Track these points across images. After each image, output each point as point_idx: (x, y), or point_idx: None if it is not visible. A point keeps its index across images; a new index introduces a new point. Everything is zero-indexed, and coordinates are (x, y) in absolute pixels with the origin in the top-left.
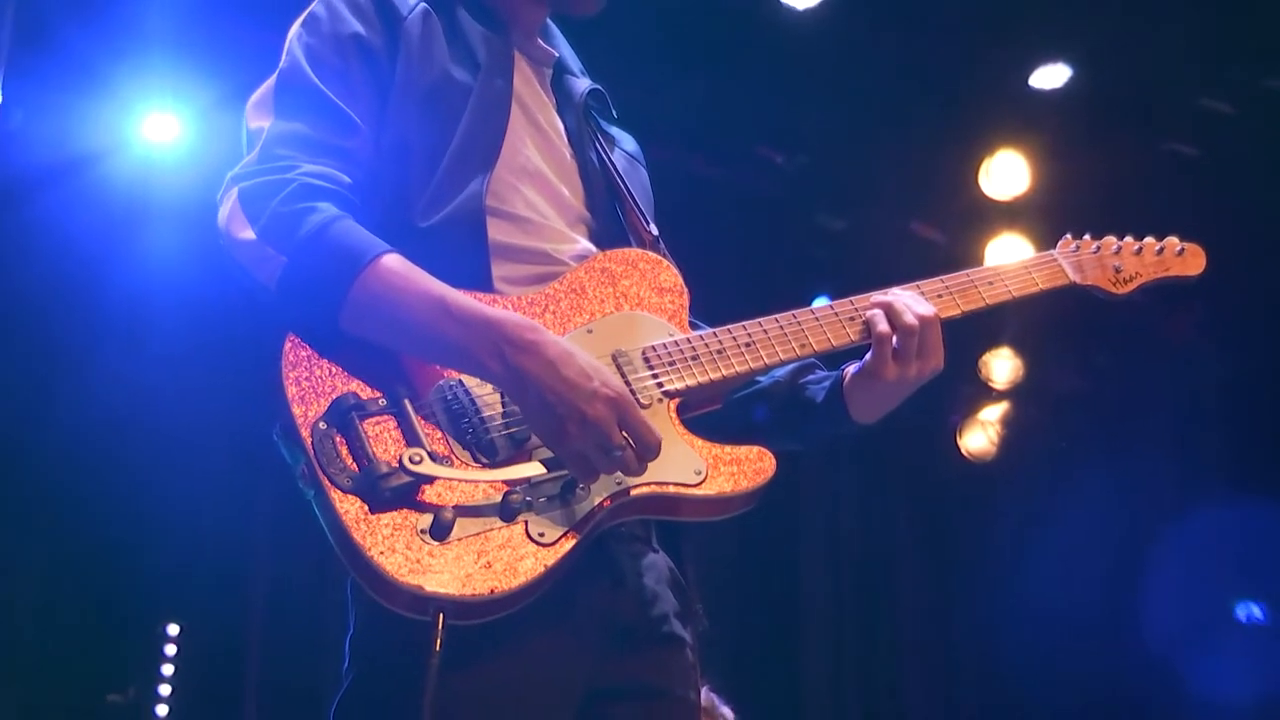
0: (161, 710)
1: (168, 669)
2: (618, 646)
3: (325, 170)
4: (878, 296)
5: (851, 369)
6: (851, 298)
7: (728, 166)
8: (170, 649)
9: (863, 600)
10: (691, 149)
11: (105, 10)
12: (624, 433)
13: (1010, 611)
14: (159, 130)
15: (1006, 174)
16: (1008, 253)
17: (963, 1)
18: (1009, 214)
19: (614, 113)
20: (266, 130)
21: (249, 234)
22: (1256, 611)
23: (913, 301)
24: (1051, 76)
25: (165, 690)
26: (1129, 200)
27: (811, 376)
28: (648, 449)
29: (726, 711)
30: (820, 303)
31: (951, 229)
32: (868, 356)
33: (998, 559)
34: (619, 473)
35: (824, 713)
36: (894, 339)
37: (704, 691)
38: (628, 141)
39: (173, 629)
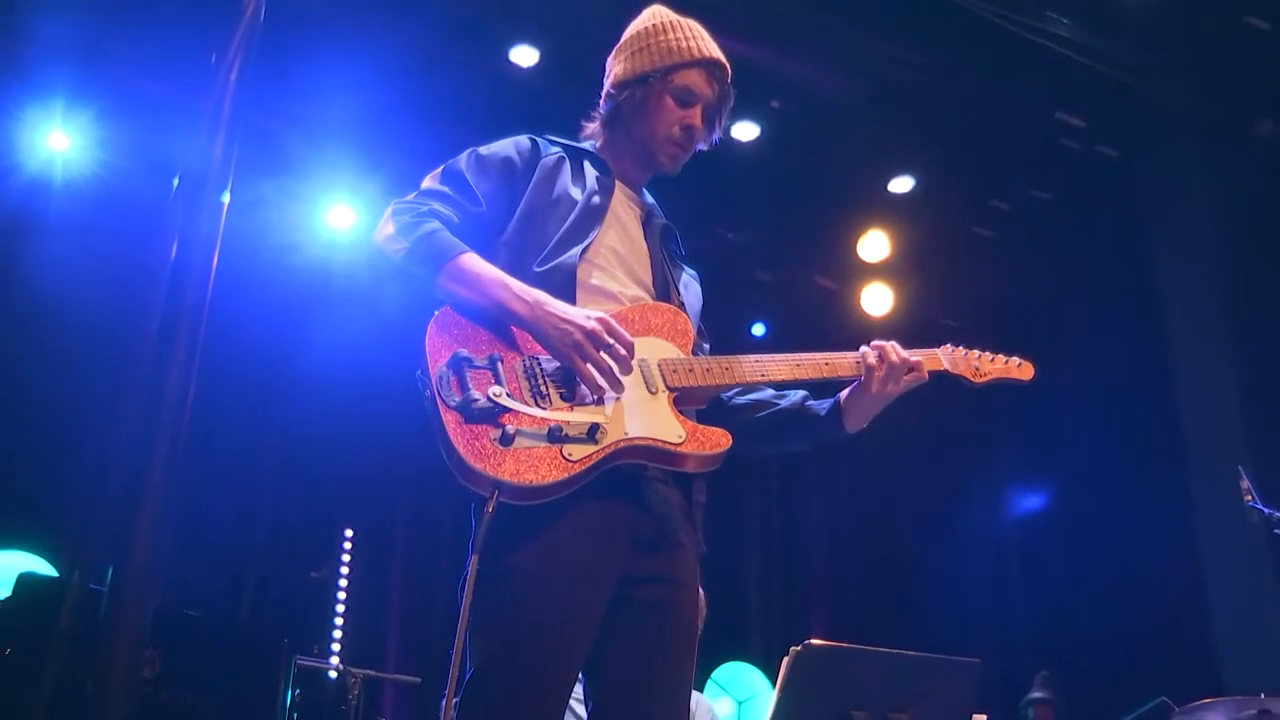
0: (343, 583)
1: (346, 558)
2: (642, 550)
3: (446, 211)
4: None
5: (844, 393)
6: (813, 353)
7: (697, 239)
8: (347, 545)
9: (784, 521)
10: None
11: (295, 117)
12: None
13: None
14: (340, 219)
15: (874, 246)
16: (878, 297)
17: (846, 137)
18: (876, 271)
19: (682, 249)
20: (428, 184)
21: (390, 229)
22: None
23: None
24: (902, 184)
25: (344, 570)
26: (950, 261)
27: (813, 401)
28: (627, 344)
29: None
30: (758, 329)
31: (840, 280)
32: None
33: (881, 499)
34: (619, 419)
35: (760, 596)
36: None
37: None
38: (690, 270)
39: (349, 532)
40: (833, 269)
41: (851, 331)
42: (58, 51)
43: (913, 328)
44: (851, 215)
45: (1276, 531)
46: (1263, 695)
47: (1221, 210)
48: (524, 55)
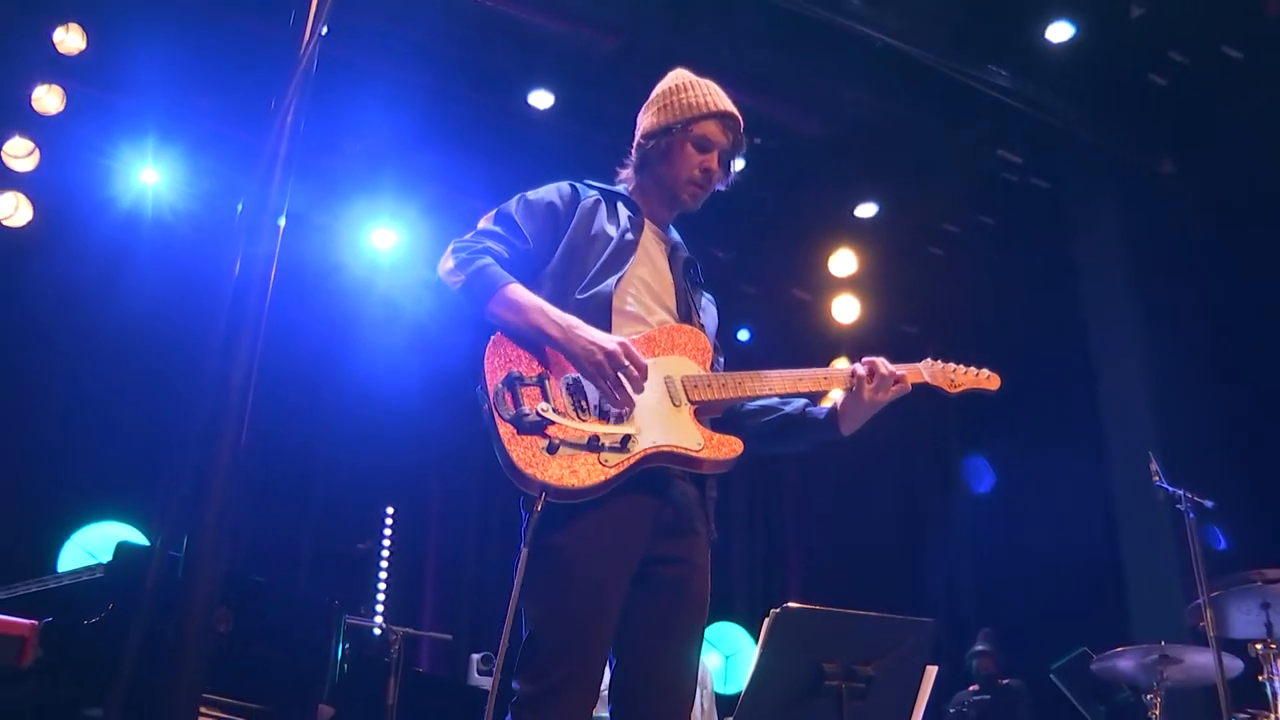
0: (385, 554)
1: (388, 532)
2: (663, 535)
3: (498, 248)
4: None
5: (839, 401)
6: (812, 368)
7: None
8: (389, 520)
9: (765, 504)
10: None
11: (343, 151)
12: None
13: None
14: (382, 240)
15: (844, 263)
16: (846, 307)
17: (818, 170)
18: (846, 284)
19: (701, 279)
20: (483, 225)
21: (450, 264)
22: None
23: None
24: (866, 210)
25: (386, 544)
26: (909, 276)
27: (813, 407)
28: (641, 367)
29: None
30: (743, 335)
31: (814, 292)
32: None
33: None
34: (648, 429)
35: (744, 565)
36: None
37: None
38: (708, 295)
39: (390, 510)
40: (807, 282)
41: (824, 337)
42: (148, 99)
43: (877, 333)
44: (823, 236)
45: (1179, 506)
46: (1163, 643)
47: (1133, 233)
48: (540, 99)
